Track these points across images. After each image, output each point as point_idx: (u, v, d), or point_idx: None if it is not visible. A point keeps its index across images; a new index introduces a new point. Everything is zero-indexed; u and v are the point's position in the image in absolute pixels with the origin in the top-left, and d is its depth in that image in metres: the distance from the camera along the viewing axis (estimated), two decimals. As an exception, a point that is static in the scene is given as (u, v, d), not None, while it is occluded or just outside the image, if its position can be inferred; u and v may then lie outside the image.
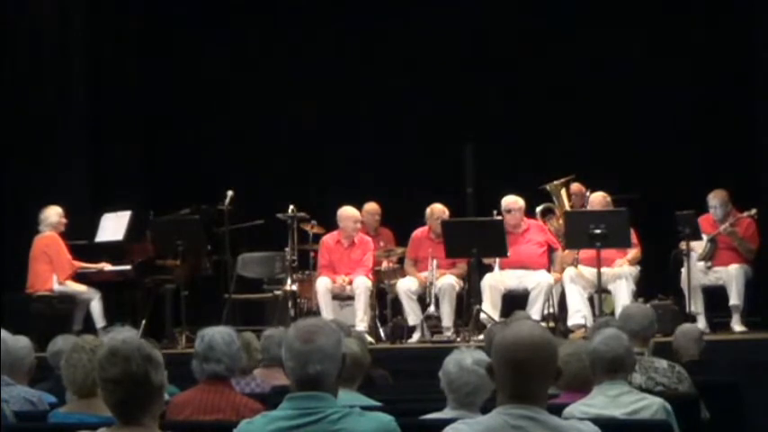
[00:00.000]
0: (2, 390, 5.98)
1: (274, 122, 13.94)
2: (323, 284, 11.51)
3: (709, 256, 11.27)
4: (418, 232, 11.92)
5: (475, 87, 13.46)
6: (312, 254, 12.19)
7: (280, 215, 12.05)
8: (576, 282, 11.15)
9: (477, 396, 5.32)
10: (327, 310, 11.37)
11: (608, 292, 11.23)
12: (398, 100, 13.63)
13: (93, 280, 11.98)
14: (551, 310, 11.26)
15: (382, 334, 11.73)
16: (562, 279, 11.25)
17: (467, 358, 5.36)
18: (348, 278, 11.59)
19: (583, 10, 13.30)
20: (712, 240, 11.26)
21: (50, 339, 7.40)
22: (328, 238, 11.91)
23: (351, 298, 11.66)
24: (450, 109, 13.51)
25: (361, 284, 11.49)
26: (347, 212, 11.81)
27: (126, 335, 3.69)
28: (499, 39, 13.47)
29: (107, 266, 12.01)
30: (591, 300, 11.16)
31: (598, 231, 10.67)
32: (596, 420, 3.83)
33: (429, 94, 13.55)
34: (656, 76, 13.22)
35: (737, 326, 11.06)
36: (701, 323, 10.75)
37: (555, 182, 12.01)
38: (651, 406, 5.56)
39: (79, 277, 11.93)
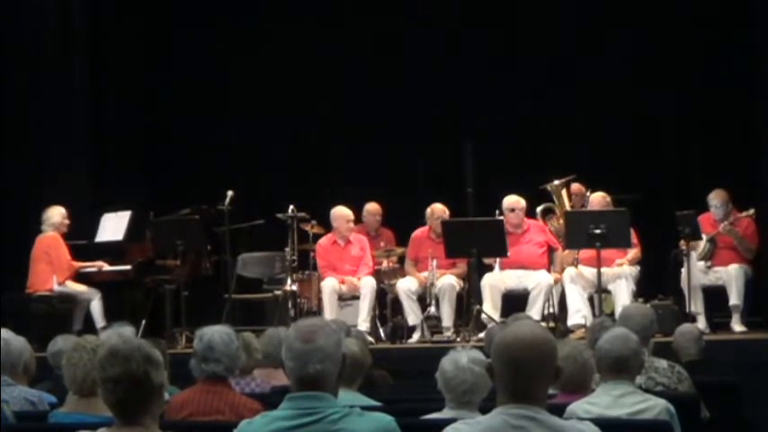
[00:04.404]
0: (2, 390, 5.98)
1: (274, 122, 13.94)
2: (329, 285, 11.51)
3: (709, 256, 11.27)
4: (418, 232, 11.93)
5: (475, 87, 13.46)
6: (312, 254, 12.19)
7: (280, 215, 12.05)
8: (576, 282, 11.15)
9: (475, 395, 5.33)
10: (331, 310, 11.38)
11: (608, 292, 11.22)
12: (398, 100, 13.63)
13: (93, 280, 11.98)
14: (551, 310, 11.27)
15: (382, 334, 11.73)
16: (562, 279, 11.26)
17: (462, 357, 5.37)
18: (356, 278, 11.60)
19: (583, 9, 13.31)
20: (712, 240, 11.26)
21: (50, 339, 7.40)
22: (323, 241, 11.92)
23: (353, 298, 11.68)
24: (450, 109, 13.51)
25: (368, 284, 11.51)
26: (339, 212, 11.82)
27: (125, 332, 3.70)
28: (499, 38, 13.47)
29: (105, 265, 12.01)
30: (591, 300, 11.16)
31: (598, 231, 10.67)
32: (597, 420, 3.83)
33: (429, 93, 13.54)
34: (656, 76, 13.22)
35: (737, 326, 11.05)
36: (701, 323, 10.75)
37: (555, 182, 12.02)
38: (655, 407, 5.55)
39: (79, 277, 11.94)
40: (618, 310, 10.08)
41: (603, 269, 10.93)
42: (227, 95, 14.05)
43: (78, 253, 12.01)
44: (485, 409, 4.45)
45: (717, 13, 12.86)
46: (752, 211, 11.24)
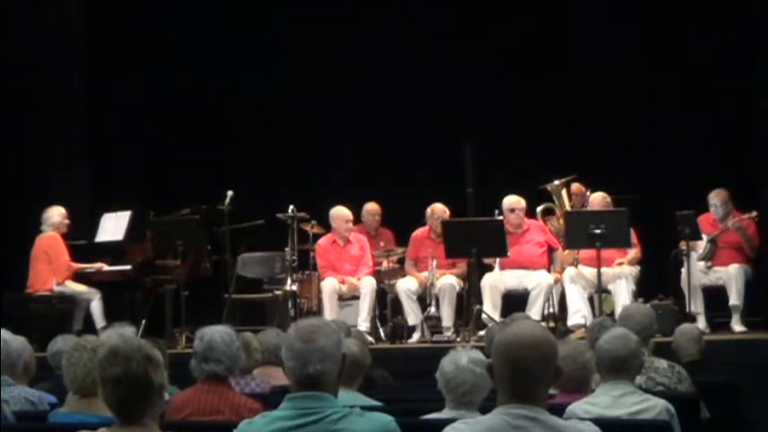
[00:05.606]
0: (2, 390, 5.98)
1: (274, 122, 13.94)
2: (329, 285, 11.51)
3: (709, 256, 11.27)
4: (418, 232, 11.93)
5: (475, 88, 13.46)
6: (312, 254, 12.19)
7: (280, 215, 12.05)
8: (576, 282, 11.15)
9: (475, 395, 5.32)
10: (331, 310, 11.38)
11: (608, 292, 11.22)
12: (399, 100, 13.63)
13: (93, 280, 11.98)
14: (551, 310, 11.27)
15: (382, 334, 11.73)
16: (562, 279, 11.26)
17: (462, 357, 5.37)
18: (356, 278, 11.60)
19: (583, 10, 13.31)
20: (712, 240, 11.27)
21: (50, 339, 7.40)
22: (323, 241, 11.93)
23: (353, 298, 11.68)
24: (450, 109, 13.51)
25: (368, 284, 11.51)
26: (338, 212, 11.82)
27: (125, 332, 3.70)
28: (499, 39, 13.47)
29: (104, 266, 12.01)
30: (591, 300, 11.16)
31: (598, 231, 10.67)
32: (597, 420, 3.83)
33: (429, 93, 13.54)
34: (657, 76, 13.22)
35: (737, 326, 11.05)
36: (701, 323, 10.75)
37: (555, 182, 12.03)
38: (654, 407, 5.55)
39: (79, 277, 11.93)
40: (618, 310, 10.09)
41: (603, 269, 10.93)
42: (227, 95, 14.05)
43: (78, 253, 12.00)
44: (485, 409, 4.45)
45: (718, 12, 12.87)
46: (754, 214, 11.25)
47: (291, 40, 13.95)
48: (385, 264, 12.01)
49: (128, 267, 12.02)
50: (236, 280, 12.32)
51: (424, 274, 11.54)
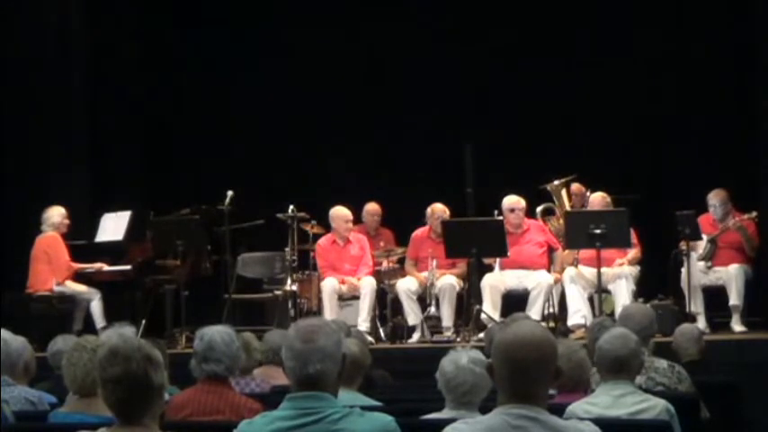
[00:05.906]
0: (2, 390, 5.98)
1: (274, 123, 13.94)
2: (329, 285, 11.51)
3: (709, 256, 11.28)
4: (418, 232, 11.94)
5: (475, 88, 13.46)
6: (312, 254, 12.19)
7: (280, 215, 12.06)
8: (576, 282, 11.15)
9: (475, 395, 5.33)
10: (331, 310, 11.38)
11: (608, 292, 11.23)
12: (399, 100, 13.63)
13: (93, 280, 11.98)
14: (551, 310, 11.27)
15: (382, 334, 11.73)
16: (562, 279, 11.26)
17: (462, 357, 5.37)
18: (355, 278, 11.60)
19: (583, 10, 13.31)
20: (712, 240, 11.27)
21: (50, 339, 7.41)
22: (323, 241, 11.93)
23: (353, 298, 11.68)
24: (450, 109, 13.51)
25: (368, 284, 11.51)
26: (338, 212, 11.82)
27: (125, 332, 3.69)
28: (499, 39, 13.47)
29: (104, 266, 12.00)
30: (591, 300, 11.16)
31: (598, 231, 10.67)
32: (597, 420, 3.83)
33: (429, 94, 13.54)
34: (657, 76, 13.22)
35: (737, 326, 11.05)
36: (701, 323, 10.75)
37: (555, 182, 12.03)
38: (655, 407, 5.55)
39: (79, 277, 11.93)
40: (618, 310, 10.08)
41: (603, 269, 10.93)
42: (227, 95, 14.05)
43: (78, 253, 12.00)
44: (485, 409, 4.45)
45: (718, 12, 12.87)
46: (754, 214, 11.26)
47: (291, 40, 13.94)
48: (385, 264, 12.01)
49: (128, 267, 12.03)
50: (236, 280, 12.33)
51: (424, 274, 11.54)
